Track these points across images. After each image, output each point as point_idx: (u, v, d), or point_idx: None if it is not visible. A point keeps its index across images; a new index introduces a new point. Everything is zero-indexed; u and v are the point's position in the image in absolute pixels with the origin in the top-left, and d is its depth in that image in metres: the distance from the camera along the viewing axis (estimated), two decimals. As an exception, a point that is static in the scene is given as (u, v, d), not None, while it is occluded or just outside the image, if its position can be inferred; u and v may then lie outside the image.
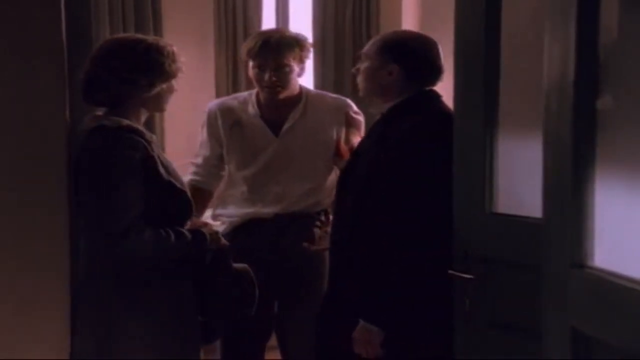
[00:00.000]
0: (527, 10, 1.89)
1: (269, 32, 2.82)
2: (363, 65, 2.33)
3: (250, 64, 2.74)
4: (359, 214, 2.24)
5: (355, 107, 2.89)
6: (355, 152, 2.45)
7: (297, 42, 2.75)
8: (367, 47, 2.37)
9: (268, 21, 4.54)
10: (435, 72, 2.31)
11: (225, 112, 2.83)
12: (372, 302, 2.17)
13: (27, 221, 2.48)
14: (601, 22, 1.29)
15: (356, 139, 2.84)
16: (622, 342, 1.20)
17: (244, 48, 2.78)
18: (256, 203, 2.79)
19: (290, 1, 4.61)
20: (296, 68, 2.75)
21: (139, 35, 2.22)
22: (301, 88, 2.84)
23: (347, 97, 3.06)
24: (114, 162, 1.99)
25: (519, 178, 1.89)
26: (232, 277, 2.21)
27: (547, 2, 1.41)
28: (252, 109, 2.82)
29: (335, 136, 2.82)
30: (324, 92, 3.15)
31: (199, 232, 2.13)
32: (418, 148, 2.17)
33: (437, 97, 2.32)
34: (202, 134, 2.90)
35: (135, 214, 1.98)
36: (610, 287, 1.22)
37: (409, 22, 4.35)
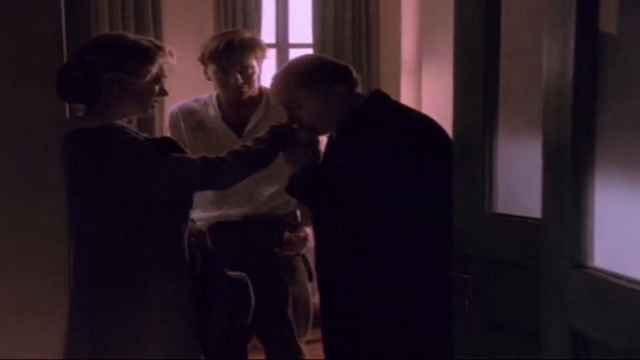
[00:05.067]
0: (527, 10, 1.89)
1: (229, 34, 2.79)
2: (305, 108, 2.22)
3: (213, 67, 2.71)
4: (354, 224, 2.20)
5: None
6: (324, 166, 2.34)
7: (256, 43, 2.75)
8: (287, 93, 2.25)
9: (268, 21, 4.55)
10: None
11: (187, 114, 2.81)
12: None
13: (27, 222, 2.48)
14: (601, 21, 1.29)
15: (320, 137, 2.83)
16: (622, 343, 1.20)
17: (204, 51, 2.73)
18: (223, 205, 2.77)
19: (290, 1, 4.62)
20: (257, 69, 2.75)
21: (122, 34, 2.17)
22: (260, 88, 2.83)
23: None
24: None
25: (519, 178, 1.88)
26: (225, 285, 2.15)
27: (547, 2, 1.41)
28: (213, 110, 2.80)
29: None
30: None
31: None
32: (407, 147, 2.16)
33: (386, 95, 2.33)
34: None
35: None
36: (610, 287, 1.22)
37: (409, 22, 4.36)
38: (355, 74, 2.30)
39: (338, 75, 2.26)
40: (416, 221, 2.12)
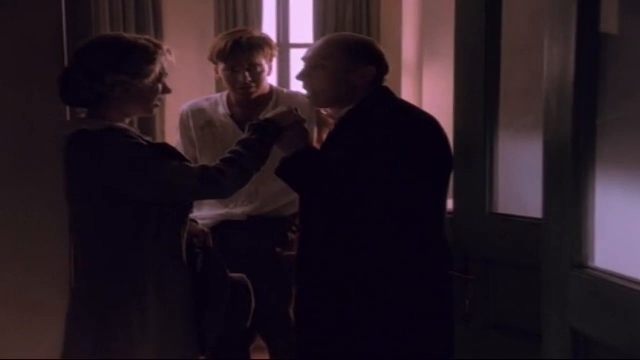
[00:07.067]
0: (527, 10, 1.89)
1: (237, 33, 2.80)
2: (325, 71, 2.20)
3: (221, 66, 2.72)
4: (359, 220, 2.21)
5: None
6: (320, 156, 2.29)
7: (265, 42, 2.75)
8: (320, 51, 2.23)
9: (268, 21, 4.54)
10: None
11: (197, 113, 2.82)
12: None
13: (27, 222, 2.48)
14: (602, 22, 1.29)
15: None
16: (621, 342, 1.20)
17: (212, 50, 2.74)
18: (228, 203, 2.76)
19: (291, 1, 4.62)
20: (266, 67, 2.76)
21: (120, 34, 2.16)
22: (271, 87, 2.83)
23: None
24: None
25: (519, 178, 1.89)
26: (227, 286, 2.14)
27: (547, 2, 1.41)
28: (222, 109, 2.81)
29: None
30: (295, 91, 3.12)
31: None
32: (411, 144, 2.16)
33: (391, 93, 2.33)
34: (176, 137, 2.90)
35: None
36: (610, 287, 1.22)
37: (409, 22, 4.36)
38: (389, 71, 2.31)
39: (376, 61, 2.26)
40: (401, 222, 2.10)
